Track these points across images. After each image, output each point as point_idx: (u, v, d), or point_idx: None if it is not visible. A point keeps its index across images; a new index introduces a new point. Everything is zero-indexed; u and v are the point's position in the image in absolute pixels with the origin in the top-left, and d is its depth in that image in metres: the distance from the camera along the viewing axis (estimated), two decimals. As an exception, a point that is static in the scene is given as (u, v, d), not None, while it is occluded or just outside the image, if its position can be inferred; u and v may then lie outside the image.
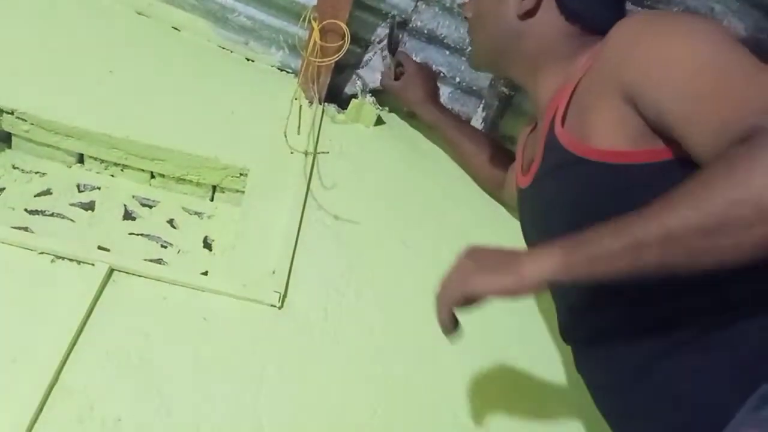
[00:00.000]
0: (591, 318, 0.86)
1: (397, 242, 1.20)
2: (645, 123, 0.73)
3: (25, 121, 1.14)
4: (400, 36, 1.33)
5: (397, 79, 1.34)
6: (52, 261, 0.95)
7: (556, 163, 0.86)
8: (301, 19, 1.23)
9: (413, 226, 1.24)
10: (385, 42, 1.34)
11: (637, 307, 0.78)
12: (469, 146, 1.33)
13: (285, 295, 1.04)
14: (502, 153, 1.31)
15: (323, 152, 1.26)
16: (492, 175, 1.30)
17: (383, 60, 1.36)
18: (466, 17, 1.08)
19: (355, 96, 1.38)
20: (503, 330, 1.13)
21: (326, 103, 1.39)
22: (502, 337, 1.13)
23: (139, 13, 1.39)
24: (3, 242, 0.94)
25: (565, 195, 0.84)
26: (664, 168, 0.72)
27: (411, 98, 1.35)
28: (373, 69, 1.39)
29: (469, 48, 1.10)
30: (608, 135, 0.76)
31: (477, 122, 1.44)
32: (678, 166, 0.71)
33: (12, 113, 1.13)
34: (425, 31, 1.33)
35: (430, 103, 1.34)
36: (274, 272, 1.06)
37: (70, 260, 0.96)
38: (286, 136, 1.18)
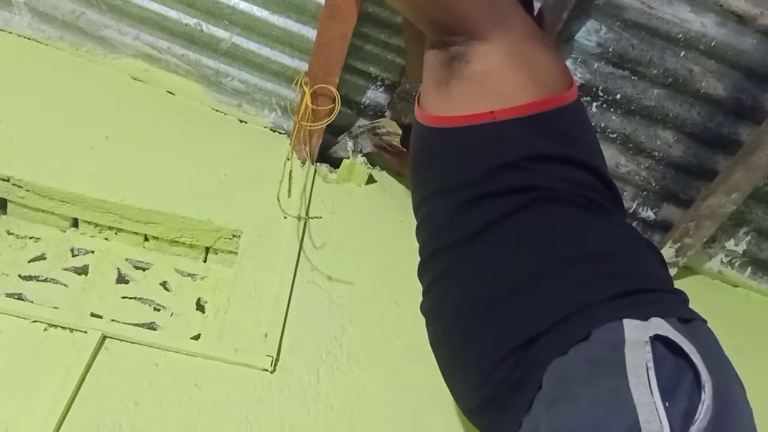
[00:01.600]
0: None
1: (389, 302, 1.21)
2: None
3: (21, 187, 1.16)
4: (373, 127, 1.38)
5: (389, 145, 1.38)
6: (45, 329, 0.96)
7: None
8: (293, 83, 1.26)
9: (405, 285, 1.25)
10: (380, 127, 1.39)
11: None
12: None
13: (277, 360, 1.04)
14: None
15: (316, 217, 1.27)
16: None
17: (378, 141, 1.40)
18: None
19: (346, 156, 1.41)
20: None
21: (318, 163, 1.41)
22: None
23: (135, 79, 1.42)
24: (-4, 311, 0.95)
25: None
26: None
27: (404, 174, 1.41)
28: (365, 140, 1.42)
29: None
30: None
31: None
32: None
33: (8, 180, 1.15)
34: (414, 93, 1.37)
35: None
36: (266, 336, 1.06)
37: (63, 328, 0.96)
38: (279, 201, 1.20)
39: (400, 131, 1.37)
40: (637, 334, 0.68)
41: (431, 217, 0.92)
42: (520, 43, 0.85)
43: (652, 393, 0.62)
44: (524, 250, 0.81)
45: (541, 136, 0.83)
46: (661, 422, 0.60)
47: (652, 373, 0.63)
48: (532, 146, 0.82)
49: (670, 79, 1.25)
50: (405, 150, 1.38)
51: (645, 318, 0.70)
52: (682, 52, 1.22)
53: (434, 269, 0.91)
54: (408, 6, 0.93)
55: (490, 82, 0.83)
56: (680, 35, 1.20)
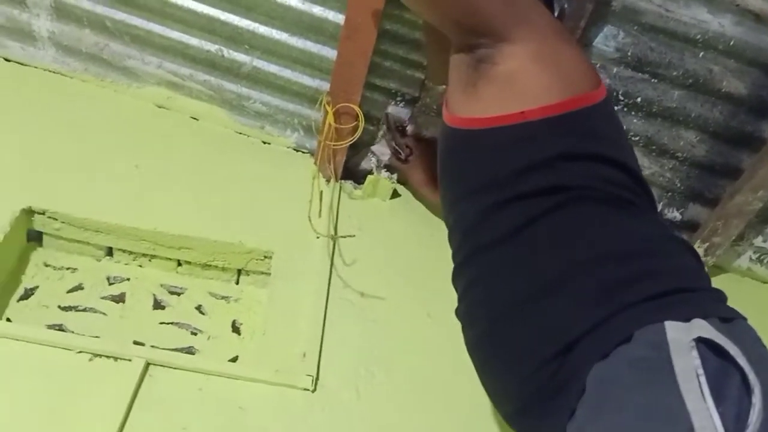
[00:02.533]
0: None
1: (422, 315, 1.22)
2: None
3: (56, 219, 1.18)
4: (400, 122, 1.38)
5: (406, 159, 1.39)
6: (90, 359, 0.98)
7: None
8: (317, 104, 1.28)
9: (437, 297, 1.26)
10: (387, 127, 1.40)
11: None
12: None
13: (317, 378, 1.05)
14: None
15: (349, 236, 1.29)
16: None
17: (388, 142, 1.41)
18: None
19: (370, 172, 1.42)
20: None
21: (342, 180, 1.43)
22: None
23: (159, 107, 1.45)
24: (42, 344, 0.97)
25: None
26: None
27: (413, 181, 1.42)
28: (384, 147, 1.43)
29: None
30: None
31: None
32: None
33: (43, 213, 1.17)
34: (435, 107, 1.38)
35: (431, 186, 1.38)
36: (304, 355, 1.08)
37: (108, 357, 0.98)
38: (310, 220, 1.22)
39: (405, 120, 1.38)
40: (680, 336, 0.67)
41: (463, 220, 0.92)
42: (547, 42, 0.85)
43: (704, 399, 0.62)
44: (559, 251, 0.80)
45: (572, 135, 0.83)
46: (716, 428, 0.60)
47: (703, 379, 0.63)
48: (564, 146, 0.82)
49: (690, 80, 1.25)
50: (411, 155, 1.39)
51: (686, 319, 0.70)
52: (701, 53, 1.23)
53: (468, 274, 0.91)
54: (433, 11, 0.92)
55: (519, 82, 0.84)
56: (698, 36, 1.20)
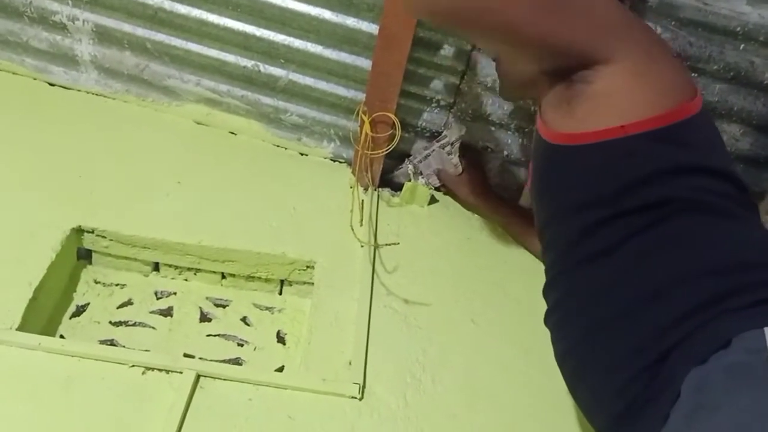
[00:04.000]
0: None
1: (466, 321, 1.21)
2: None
3: (105, 237, 1.21)
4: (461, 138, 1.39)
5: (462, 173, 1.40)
6: (143, 373, 1.00)
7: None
8: (354, 114, 1.29)
9: (479, 302, 1.26)
10: (445, 141, 1.40)
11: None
12: (523, 234, 1.37)
13: (364, 386, 1.06)
14: None
15: (393, 243, 1.29)
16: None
17: (447, 158, 1.41)
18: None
19: (408, 179, 1.42)
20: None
21: (380, 188, 1.44)
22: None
23: (198, 123, 1.48)
24: (96, 359, 0.99)
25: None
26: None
27: (461, 192, 1.42)
28: (430, 165, 1.43)
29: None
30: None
31: (528, 188, 1.47)
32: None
33: (92, 232, 1.21)
34: (470, 112, 1.38)
35: (478, 198, 1.40)
36: (350, 363, 1.08)
37: (160, 370, 1.00)
38: (353, 230, 1.23)
39: (463, 132, 1.38)
40: None
41: (563, 234, 0.91)
42: (645, 57, 0.84)
43: None
44: (659, 263, 0.80)
45: (674, 147, 0.82)
46: None
47: None
48: (666, 159, 0.81)
49: (731, 73, 1.23)
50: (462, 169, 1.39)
51: None
52: (742, 45, 1.20)
53: (564, 285, 0.92)
54: (526, 46, 0.87)
55: (617, 98, 0.83)
56: (738, 28, 1.18)
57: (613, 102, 0.83)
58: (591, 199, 0.85)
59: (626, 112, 0.82)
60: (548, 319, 0.95)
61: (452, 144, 1.39)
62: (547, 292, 0.97)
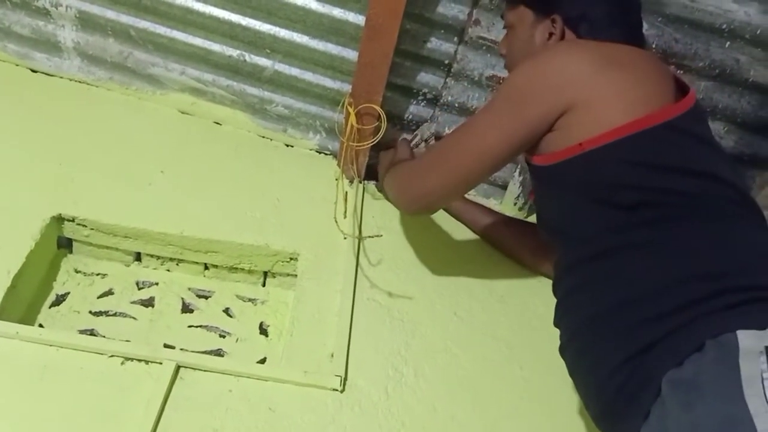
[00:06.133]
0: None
1: (449, 314, 1.21)
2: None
3: (86, 226, 1.20)
4: (437, 135, 1.40)
5: None
6: (122, 363, 0.99)
7: None
8: (339, 105, 1.29)
9: (463, 296, 1.26)
10: (417, 140, 1.40)
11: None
12: (495, 236, 1.38)
13: (345, 379, 1.05)
14: (527, 233, 1.33)
15: (377, 236, 1.29)
16: (526, 255, 1.34)
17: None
18: (501, 54, 1.16)
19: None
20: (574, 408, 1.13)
21: (365, 181, 1.43)
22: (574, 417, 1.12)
23: (183, 113, 1.46)
24: (75, 348, 0.98)
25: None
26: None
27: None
28: None
29: None
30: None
31: (514, 185, 1.47)
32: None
33: (73, 220, 1.19)
34: (456, 105, 1.38)
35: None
36: (332, 356, 1.08)
37: (139, 360, 0.99)
38: (337, 222, 1.22)
39: (433, 130, 1.39)
40: (752, 343, 0.69)
41: (558, 247, 1.00)
42: (595, 79, 0.91)
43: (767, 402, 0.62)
44: (643, 267, 0.84)
45: (637, 155, 0.87)
46: None
47: (767, 384, 0.64)
48: (624, 167, 0.87)
49: (717, 71, 1.23)
50: None
51: (762, 327, 0.71)
52: (727, 43, 1.21)
53: (566, 284, 0.97)
54: (508, 153, 1.00)
55: (577, 121, 0.91)
56: (724, 26, 1.18)
57: (574, 124, 0.91)
58: (573, 217, 0.94)
59: (584, 131, 0.90)
60: (555, 317, 0.99)
61: (426, 141, 1.39)
62: (554, 289, 1.01)
